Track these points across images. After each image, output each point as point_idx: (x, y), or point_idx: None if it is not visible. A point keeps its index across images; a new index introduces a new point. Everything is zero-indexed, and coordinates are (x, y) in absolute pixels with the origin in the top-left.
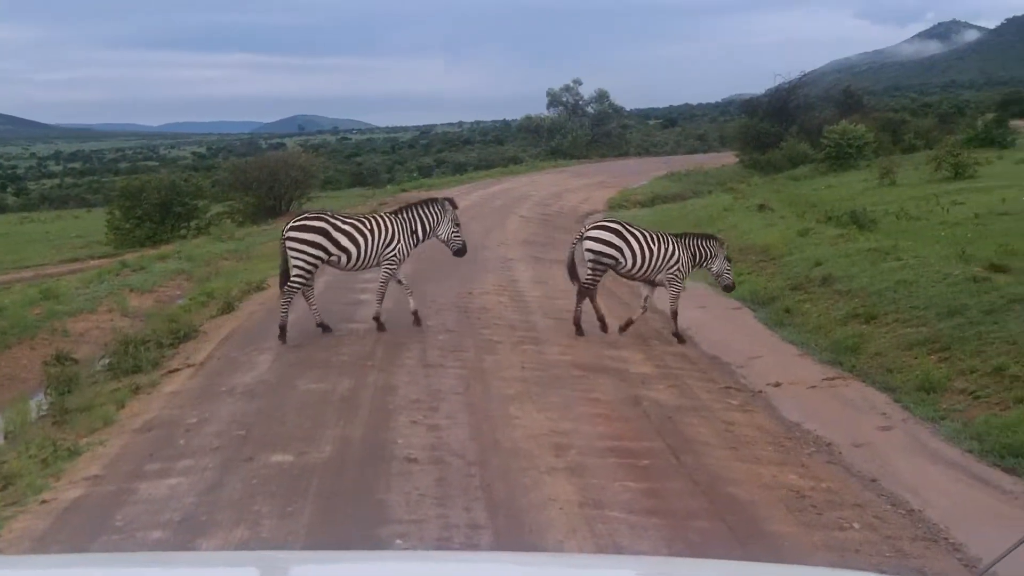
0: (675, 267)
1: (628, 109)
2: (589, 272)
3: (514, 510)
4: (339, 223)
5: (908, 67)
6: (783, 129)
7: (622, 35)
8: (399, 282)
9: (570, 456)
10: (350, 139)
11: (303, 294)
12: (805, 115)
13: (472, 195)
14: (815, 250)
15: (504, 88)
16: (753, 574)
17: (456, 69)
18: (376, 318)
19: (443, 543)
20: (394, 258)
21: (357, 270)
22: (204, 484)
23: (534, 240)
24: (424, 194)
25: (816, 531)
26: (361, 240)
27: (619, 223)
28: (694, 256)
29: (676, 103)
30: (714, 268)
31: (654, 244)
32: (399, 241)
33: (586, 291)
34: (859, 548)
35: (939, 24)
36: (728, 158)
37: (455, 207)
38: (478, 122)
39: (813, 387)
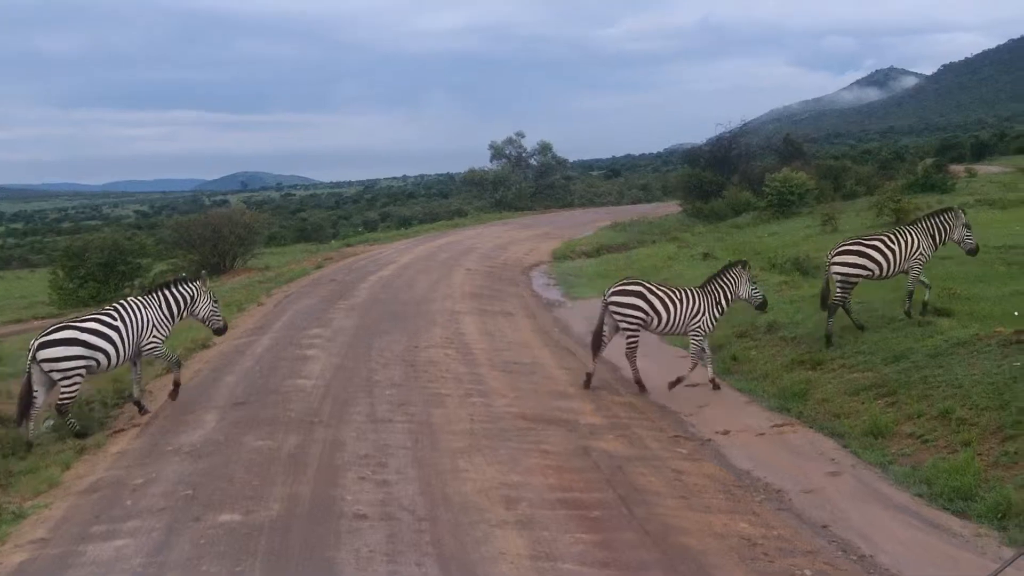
0: (916, 256)
1: (571, 160)
2: (839, 291)
3: (465, 564)
4: (653, 288)
5: (848, 114)
6: (725, 178)
7: (563, 87)
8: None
9: (520, 509)
10: (294, 195)
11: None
12: (747, 163)
13: (417, 248)
14: None
15: (447, 142)
16: None
17: (399, 123)
18: (709, 382)
19: None
20: (700, 328)
21: (664, 334)
22: (151, 545)
23: (480, 293)
24: (371, 249)
25: None
26: (671, 306)
27: (857, 242)
28: (933, 237)
29: (618, 154)
30: (955, 237)
31: (895, 245)
32: (704, 312)
33: (837, 305)
34: None
35: (877, 71)
36: (671, 207)
37: (746, 267)
38: (422, 176)
39: (761, 434)
